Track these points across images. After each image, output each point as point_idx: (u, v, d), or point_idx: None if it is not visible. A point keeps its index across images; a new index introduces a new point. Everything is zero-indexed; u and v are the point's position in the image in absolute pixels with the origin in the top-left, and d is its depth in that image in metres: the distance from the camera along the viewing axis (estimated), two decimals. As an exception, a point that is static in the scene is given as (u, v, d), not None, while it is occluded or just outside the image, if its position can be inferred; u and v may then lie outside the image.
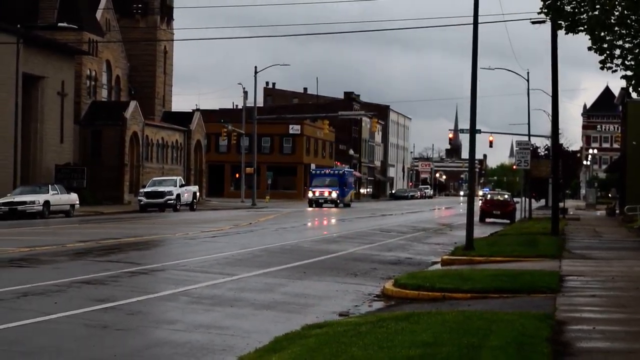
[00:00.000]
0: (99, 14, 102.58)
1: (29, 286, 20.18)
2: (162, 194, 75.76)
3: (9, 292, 19.20)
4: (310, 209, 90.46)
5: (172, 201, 75.43)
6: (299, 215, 69.74)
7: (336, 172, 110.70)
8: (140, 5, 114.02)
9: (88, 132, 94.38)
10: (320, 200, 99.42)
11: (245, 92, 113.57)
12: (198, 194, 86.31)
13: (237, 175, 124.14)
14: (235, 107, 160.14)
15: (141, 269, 25.16)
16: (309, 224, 54.76)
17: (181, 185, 79.89)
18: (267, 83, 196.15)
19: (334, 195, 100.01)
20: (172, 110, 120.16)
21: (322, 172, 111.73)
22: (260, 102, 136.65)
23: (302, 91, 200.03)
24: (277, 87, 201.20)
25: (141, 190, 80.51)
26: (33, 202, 59.81)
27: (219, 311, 17.98)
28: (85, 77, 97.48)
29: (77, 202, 66.15)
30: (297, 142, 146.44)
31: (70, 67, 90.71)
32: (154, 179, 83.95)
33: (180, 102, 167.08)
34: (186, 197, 78.95)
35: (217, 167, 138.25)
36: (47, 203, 60.61)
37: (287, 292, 21.53)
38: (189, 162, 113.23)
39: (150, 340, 14.70)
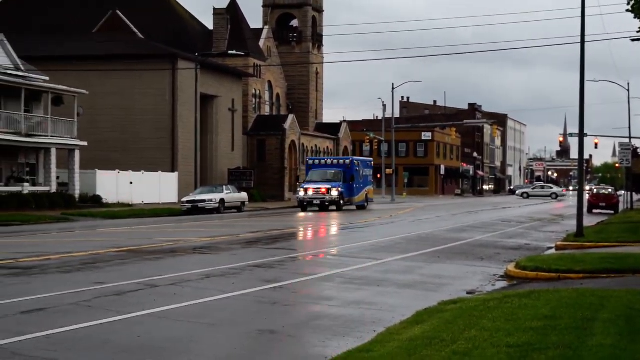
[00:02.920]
0: (261, 43, 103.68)
1: (210, 269, 20.49)
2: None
3: (195, 274, 19.52)
4: (339, 215, 55.38)
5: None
6: (432, 208, 69.29)
7: (340, 161, 70.44)
8: (295, 35, 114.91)
9: (254, 141, 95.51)
10: (314, 201, 63.07)
11: (384, 105, 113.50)
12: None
13: (378, 176, 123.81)
14: (375, 117, 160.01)
15: (301, 254, 25.37)
16: (441, 215, 54.32)
17: (334, 183, 79.94)
18: (402, 97, 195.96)
19: (334, 193, 62.86)
20: (323, 121, 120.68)
21: (321, 161, 71.99)
22: (397, 113, 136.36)
23: (432, 103, 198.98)
24: (411, 100, 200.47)
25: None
26: (211, 200, 60.80)
27: (368, 290, 17.99)
28: (251, 96, 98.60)
29: (247, 199, 67.08)
30: (429, 147, 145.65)
31: (238, 87, 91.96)
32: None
33: (330, 114, 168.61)
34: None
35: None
36: (222, 201, 61.51)
37: (424, 273, 21.44)
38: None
39: (311, 314, 14.79)
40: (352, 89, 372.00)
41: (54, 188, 60.51)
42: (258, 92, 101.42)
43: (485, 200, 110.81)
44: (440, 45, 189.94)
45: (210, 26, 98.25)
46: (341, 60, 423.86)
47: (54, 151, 61.19)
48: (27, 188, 57.97)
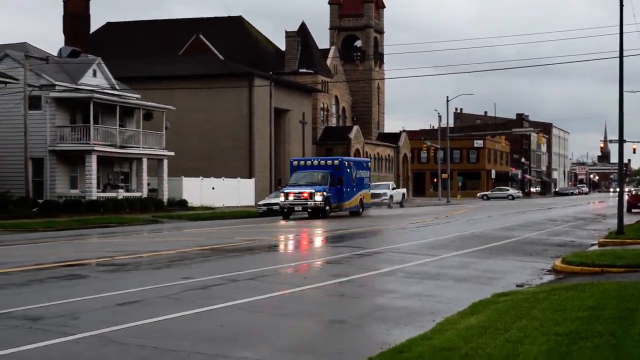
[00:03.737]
0: (328, 61, 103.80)
1: (284, 265, 20.51)
2: (378, 195, 75.95)
3: (270, 269, 19.51)
4: (318, 222, 46.11)
5: (386, 200, 75.52)
6: (483, 209, 68.67)
7: (328, 162, 55.03)
8: (359, 54, 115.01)
9: (323, 150, 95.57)
10: (295, 208, 50.73)
11: (440, 116, 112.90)
12: (406, 194, 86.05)
13: (435, 180, 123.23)
14: (432, 127, 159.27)
15: (366, 251, 25.24)
16: (492, 215, 53.82)
17: (393, 188, 79.93)
18: (456, 108, 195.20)
19: (318, 198, 50.23)
20: (385, 131, 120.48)
21: (307, 162, 56.57)
22: (451, 123, 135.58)
23: (483, 114, 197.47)
24: (463, 111, 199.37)
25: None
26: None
27: (427, 283, 17.84)
28: (319, 109, 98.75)
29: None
30: (481, 153, 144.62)
31: (308, 102, 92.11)
32: (372, 184, 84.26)
33: (390, 125, 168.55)
34: (397, 197, 78.88)
35: (419, 174, 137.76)
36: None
37: (478, 268, 21.21)
38: (398, 171, 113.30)
39: (376, 305, 14.70)
40: (410, 101, 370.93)
41: (145, 193, 61.15)
42: (326, 105, 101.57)
43: (532, 201, 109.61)
44: (487, 61, 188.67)
45: (283, 47, 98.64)
46: (400, 76, 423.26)
47: (145, 161, 61.84)
48: (121, 193, 58.66)
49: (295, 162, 56.03)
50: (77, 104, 58.26)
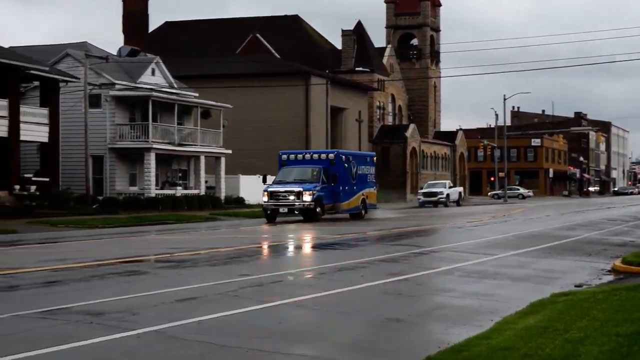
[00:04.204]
0: (384, 60, 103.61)
1: (341, 263, 20.51)
2: (435, 194, 75.77)
3: (328, 267, 19.56)
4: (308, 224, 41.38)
5: (443, 199, 75.23)
6: (541, 208, 68.04)
7: (322, 156, 47.24)
8: (415, 52, 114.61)
9: (379, 148, 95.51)
10: (280, 209, 43.79)
11: (496, 115, 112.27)
12: (462, 193, 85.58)
13: (491, 179, 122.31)
14: (488, 126, 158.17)
15: (422, 250, 25.16)
16: (550, 214, 53.27)
17: (449, 187, 79.58)
18: (513, 107, 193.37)
19: (307, 198, 43.26)
20: (441, 129, 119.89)
21: (297, 156, 47.68)
22: (508, 122, 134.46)
23: (540, 112, 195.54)
24: (520, 110, 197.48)
25: (419, 191, 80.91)
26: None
27: (485, 282, 17.71)
28: (375, 107, 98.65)
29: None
30: (538, 152, 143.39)
31: (364, 100, 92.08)
32: (429, 182, 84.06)
33: (447, 123, 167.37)
34: (453, 196, 78.51)
35: (476, 173, 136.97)
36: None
37: (536, 267, 21.00)
38: (455, 169, 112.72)
39: (433, 304, 14.64)
40: (466, 99, 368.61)
41: (202, 191, 61.62)
42: (382, 104, 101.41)
43: (591, 200, 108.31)
44: (544, 59, 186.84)
45: (339, 45, 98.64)
46: (456, 74, 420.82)
47: (202, 158, 62.32)
48: (179, 191, 59.18)
49: (284, 156, 47.80)
50: (136, 103, 58.92)
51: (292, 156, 47.57)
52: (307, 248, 26.50)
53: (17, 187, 48.58)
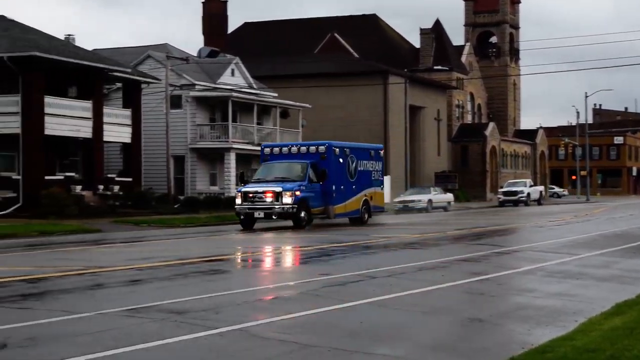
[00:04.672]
0: (463, 58, 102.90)
1: (422, 263, 20.42)
2: (515, 193, 75.03)
3: (408, 267, 19.50)
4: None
5: (523, 198, 74.45)
6: (625, 208, 66.73)
7: (311, 149, 39.33)
8: (494, 50, 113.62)
9: (458, 147, 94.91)
10: (255, 214, 36.45)
11: (577, 113, 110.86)
12: (543, 192, 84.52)
13: (573, 177, 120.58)
14: (569, 124, 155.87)
15: (503, 250, 24.91)
16: (634, 213, 52.20)
17: (530, 186, 78.69)
18: (594, 104, 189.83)
19: (287, 200, 35.87)
20: (521, 128, 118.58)
21: (282, 149, 40.25)
22: (589, 120, 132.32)
23: (623, 109, 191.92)
24: (602, 107, 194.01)
25: (499, 190, 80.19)
26: (420, 200, 60.86)
27: (568, 282, 17.44)
28: (454, 106, 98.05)
29: (452, 199, 66.65)
30: (621, 150, 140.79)
31: (443, 99, 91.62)
32: (509, 181, 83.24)
33: (527, 122, 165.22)
34: (534, 194, 77.65)
35: (556, 171, 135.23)
36: (429, 201, 61.44)
37: (621, 267, 20.61)
38: (535, 168, 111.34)
39: (515, 304, 14.48)
40: (546, 97, 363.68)
41: (282, 190, 61.98)
42: (461, 102, 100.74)
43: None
44: (626, 56, 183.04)
45: (417, 44, 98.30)
46: (536, 72, 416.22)
47: (281, 158, 62.68)
48: (259, 190, 59.60)
49: (267, 150, 40.45)
50: (216, 103, 59.57)
51: (275, 149, 40.09)
52: (399, 245, 26.43)
53: (101, 187, 49.52)
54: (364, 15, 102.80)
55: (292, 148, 39.72)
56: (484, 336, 11.58)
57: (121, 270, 19.15)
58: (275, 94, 66.23)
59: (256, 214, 36.26)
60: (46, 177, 45.98)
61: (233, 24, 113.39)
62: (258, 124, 61.64)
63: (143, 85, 54.99)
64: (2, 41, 46.65)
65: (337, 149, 39.56)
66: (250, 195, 36.50)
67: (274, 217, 36.42)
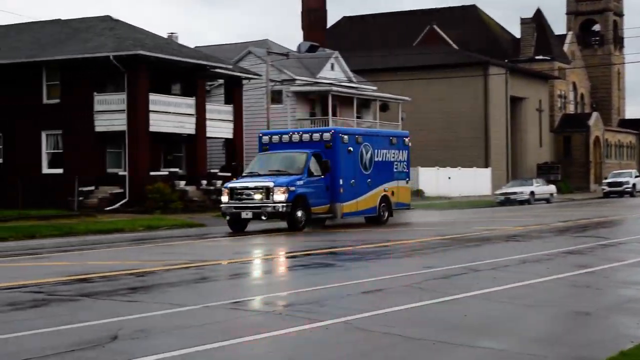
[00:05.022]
0: (565, 47, 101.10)
1: (525, 255, 20.19)
2: (620, 184, 73.37)
3: (511, 259, 19.29)
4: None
5: (629, 189, 72.73)
6: None
7: (314, 136, 33.37)
8: (597, 38, 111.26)
9: (560, 137, 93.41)
10: (242, 214, 30.79)
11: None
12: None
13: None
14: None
15: (609, 242, 24.41)
16: None
17: (635, 177, 76.74)
18: None
19: (279, 197, 30.14)
20: (625, 117, 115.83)
21: (282, 137, 34.10)
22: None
23: None
24: None
25: (603, 181, 78.49)
26: (522, 192, 60.08)
27: (680, 275, 17.02)
28: (556, 96, 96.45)
29: (555, 191, 65.54)
30: None
31: (545, 89, 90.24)
32: (613, 172, 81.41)
33: (633, 111, 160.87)
34: (640, 185, 75.87)
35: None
36: (532, 193, 60.58)
37: None
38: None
39: (623, 297, 14.19)
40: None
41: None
42: (563, 92, 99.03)
43: None
44: None
45: (517, 34, 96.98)
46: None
47: (381, 151, 62.64)
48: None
49: (265, 138, 34.38)
50: (316, 97, 59.89)
51: (275, 137, 34.14)
52: (501, 238, 26.19)
53: (205, 182, 50.29)
54: (463, 7, 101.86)
55: (294, 136, 33.80)
56: (591, 329, 11.39)
57: (227, 264, 19.45)
58: (375, 88, 66.20)
59: (243, 214, 30.72)
60: (151, 173, 46.93)
61: (332, 19, 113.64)
62: (358, 117, 61.70)
63: (244, 81, 55.63)
64: (108, 41, 47.78)
65: (346, 136, 33.66)
66: (238, 191, 31.03)
67: (263, 217, 30.68)
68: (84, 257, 22.44)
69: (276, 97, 57.41)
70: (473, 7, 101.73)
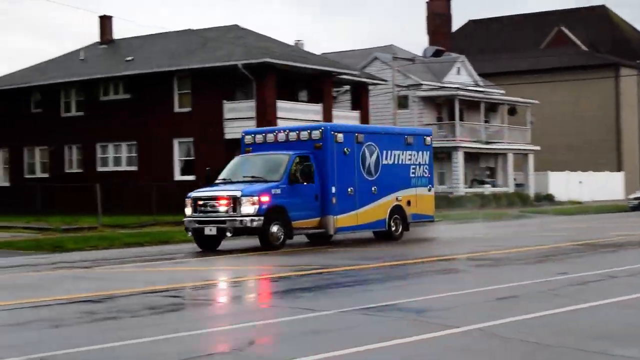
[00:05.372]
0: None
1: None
2: None
3: (599, 275, 18.70)
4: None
5: None
6: None
7: (301, 135, 27.09)
8: None
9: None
10: (206, 229, 25.00)
11: None
12: None
13: None
14: None
15: None
16: None
17: None
18: None
19: (247, 210, 24.36)
20: None
21: (267, 136, 27.99)
22: None
23: None
24: None
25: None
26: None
27: None
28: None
29: None
30: None
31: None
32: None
33: None
34: None
35: None
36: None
37: None
38: None
39: None
40: None
41: (511, 188, 61.05)
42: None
43: None
44: None
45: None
46: None
47: (510, 156, 61.77)
48: (487, 189, 59.05)
49: (249, 138, 28.67)
50: (443, 102, 59.54)
51: (258, 137, 28.45)
52: (636, 245, 25.44)
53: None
54: (591, 7, 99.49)
55: (279, 135, 27.86)
56: None
57: (344, 270, 19.49)
58: (502, 91, 65.34)
59: (207, 230, 25.29)
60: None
61: (457, 23, 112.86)
62: (485, 121, 61.03)
63: (370, 87, 55.71)
64: (237, 49, 48.61)
65: (341, 135, 27.24)
66: (201, 202, 25.60)
67: (227, 234, 25.13)
68: (213, 263, 22.78)
69: (403, 102, 57.30)
70: (602, 7, 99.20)
